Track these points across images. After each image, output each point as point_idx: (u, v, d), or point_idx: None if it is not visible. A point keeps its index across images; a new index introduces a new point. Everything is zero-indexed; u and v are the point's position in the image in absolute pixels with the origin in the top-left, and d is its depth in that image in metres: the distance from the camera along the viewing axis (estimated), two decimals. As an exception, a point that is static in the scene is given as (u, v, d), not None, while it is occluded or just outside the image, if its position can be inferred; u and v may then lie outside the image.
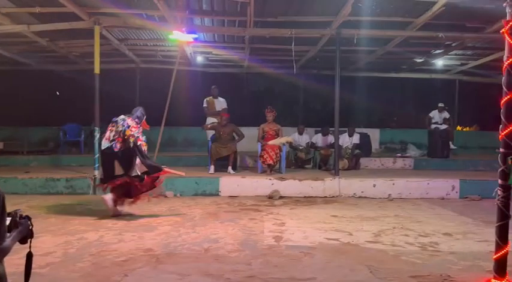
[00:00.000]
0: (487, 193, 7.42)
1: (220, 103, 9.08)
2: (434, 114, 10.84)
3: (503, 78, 3.09)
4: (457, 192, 7.58)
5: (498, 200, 3.01)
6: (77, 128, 11.10)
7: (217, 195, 7.35)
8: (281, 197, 7.18)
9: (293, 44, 7.84)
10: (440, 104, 10.81)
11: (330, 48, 9.07)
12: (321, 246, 4.18)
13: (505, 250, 2.94)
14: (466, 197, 7.43)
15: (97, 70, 7.38)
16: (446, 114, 10.84)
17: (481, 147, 12.12)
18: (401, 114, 12.57)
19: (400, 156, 10.67)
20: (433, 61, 10.84)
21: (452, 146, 10.79)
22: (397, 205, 6.79)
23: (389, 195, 7.45)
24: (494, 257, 3.00)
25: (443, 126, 10.67)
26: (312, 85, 12.18)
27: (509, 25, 3.00)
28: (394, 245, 4.29)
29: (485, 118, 12.82)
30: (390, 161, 10.19)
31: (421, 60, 10.96)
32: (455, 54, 10.25)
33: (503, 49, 9.73)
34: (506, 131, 2.96)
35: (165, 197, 7.10)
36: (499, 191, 3.01)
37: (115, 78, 11.05)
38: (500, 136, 3.04)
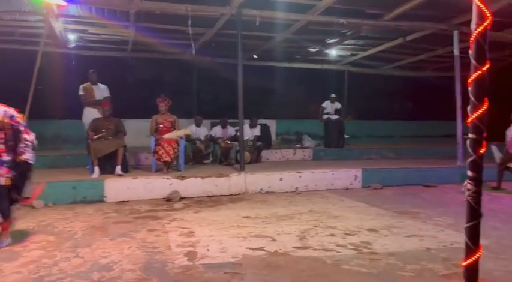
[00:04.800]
0: (387, 181, 7.53)
1: (101, 90, 7.69)
2: (327, 105, 10.95)
3: (472, 51, 2.56)
4: (359, 181, 7.52)
5: (468, 195, 2.51)
6: None
7: (102, 201, 6.08)
8: (181, 199, 6.24)
9: (189, 22, 6.85)
10: (332, 95, 10.97)
11: (227, 32, 8.33)
12: (246, 261, 3.40)
13: (477, 255, 2.48)
14: (368, 186, 7.40)
15: None
16: (337, 105, 11.02)
17: (368, 136, 12.71)
18: (294, 105, 12.45)
19: (299, 147, 10.50)
20: (326, 51, 10.83)
21: (345, 136, 10.97)
22: (306, 199, 6.42)
23: (297, 188, 7.06)
24: (465, 263, 2.53)
25: (335, 117, 10.80)
26: (205, 73, 11.29)
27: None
28: (327, 250, 3.73)
29: (367, 108, 13.31)
30: (290, 152, 9.90)
31: (315, 50, 10.86)
32: (347, 45, 10.34)
33: (393, 39, 9.79)
34: (477, 113, 2.47)
35: (32, 207, 5.60)
36: (468, 184, 2.51)
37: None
38: (469, 120, 2.53)
